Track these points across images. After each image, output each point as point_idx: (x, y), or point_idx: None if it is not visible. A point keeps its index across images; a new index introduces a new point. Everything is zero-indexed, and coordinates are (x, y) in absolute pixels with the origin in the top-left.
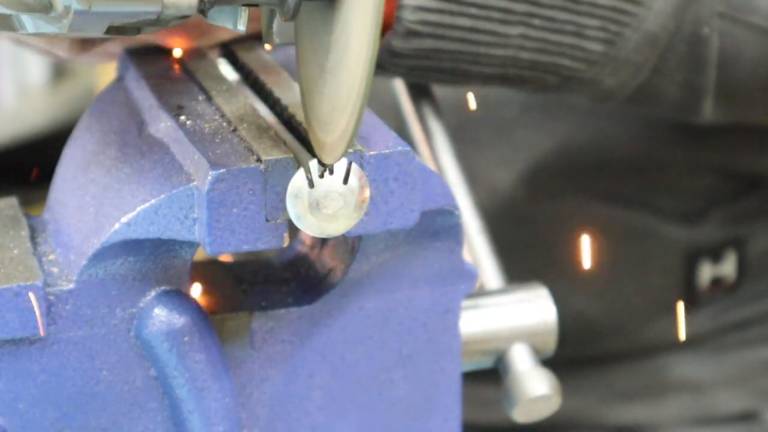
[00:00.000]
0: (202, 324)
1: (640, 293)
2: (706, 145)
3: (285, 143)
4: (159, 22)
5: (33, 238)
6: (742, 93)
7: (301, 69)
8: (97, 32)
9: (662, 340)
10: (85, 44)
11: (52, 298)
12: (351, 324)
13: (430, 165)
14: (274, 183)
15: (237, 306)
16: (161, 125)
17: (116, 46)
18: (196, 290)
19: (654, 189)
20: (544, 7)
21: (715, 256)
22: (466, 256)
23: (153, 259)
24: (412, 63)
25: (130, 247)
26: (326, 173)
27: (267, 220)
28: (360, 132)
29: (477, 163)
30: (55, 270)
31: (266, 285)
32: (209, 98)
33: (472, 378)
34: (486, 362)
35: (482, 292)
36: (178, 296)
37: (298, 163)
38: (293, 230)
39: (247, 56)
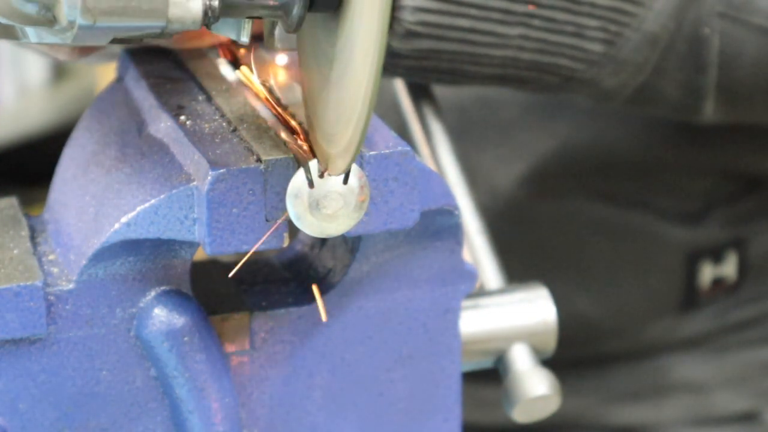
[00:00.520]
0: (202, 324)
1: (641, 294)
2: (707, 146)
3: (285, 143)
4: (163, 35)
5: (33, 238)
6: (742, 93)
7: (305, 78)
8: (101, 43)
9: (663, 340)
10: (86, 48)
11: (52, 298)
12: (351, 324)
13: (430, 165)
14: (274, 183)
15: (237, 306)
16: (161, 125)
17: (116, 46)
18: (196, 290)
19: (655, 189)
20: (543, 8)
21: (716, 256)
22: (466, 256)
23: (153, 259)
24: (412, 64)
25: (130, 247)
26: (326, 173)
27: (267, 220)
28: None
29: (477, 163)
30: (55, 270)
31: (266, 285)
32: (209, 98)
33: (472, 378)
34: (486, 362)
35: (482, 292)
36: (178, 296)
37: (298, 163)
38: (293, 230)
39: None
